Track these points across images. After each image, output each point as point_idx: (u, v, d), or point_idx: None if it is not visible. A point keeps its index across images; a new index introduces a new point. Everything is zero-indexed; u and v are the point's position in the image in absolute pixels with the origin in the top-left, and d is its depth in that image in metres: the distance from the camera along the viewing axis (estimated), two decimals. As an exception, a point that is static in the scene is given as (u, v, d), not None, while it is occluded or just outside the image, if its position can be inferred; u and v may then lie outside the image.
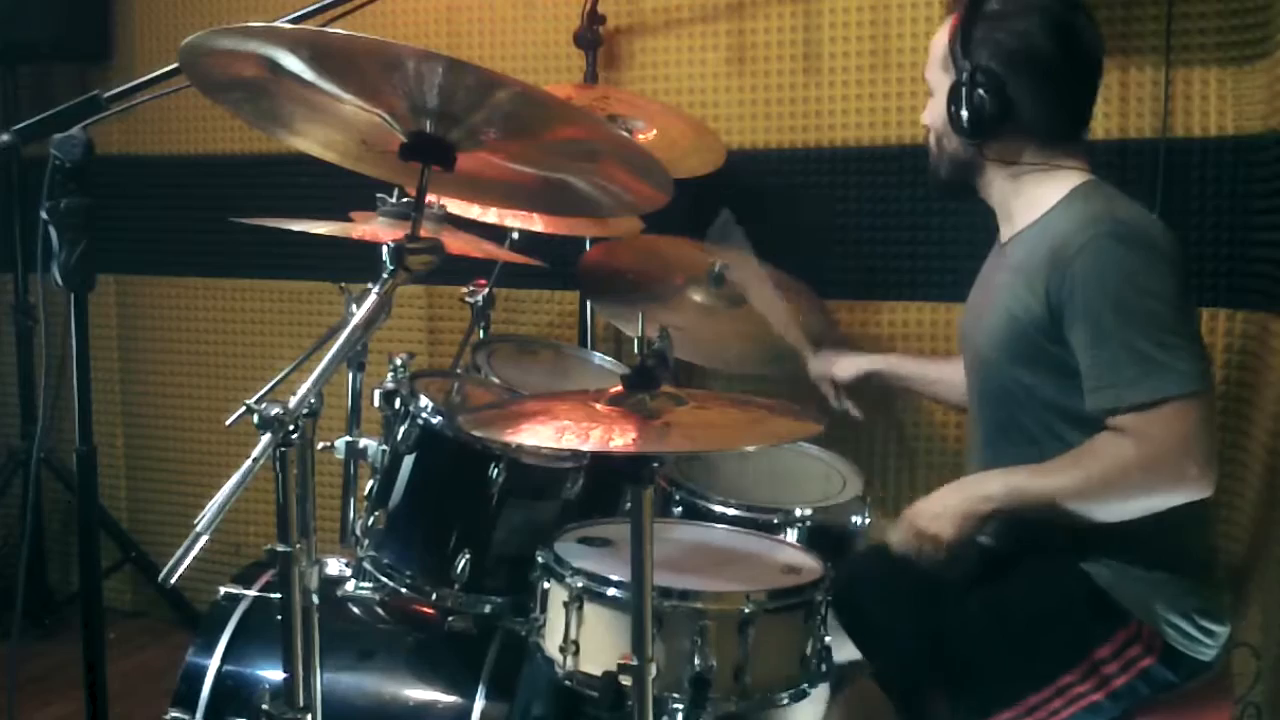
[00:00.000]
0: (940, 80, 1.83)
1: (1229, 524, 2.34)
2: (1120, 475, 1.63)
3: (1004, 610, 1.75)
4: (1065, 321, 1.67)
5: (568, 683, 1.65)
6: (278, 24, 1.39)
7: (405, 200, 2.07)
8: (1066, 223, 1.72)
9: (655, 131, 2.48)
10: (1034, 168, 1.79)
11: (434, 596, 1.90)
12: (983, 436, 1.88)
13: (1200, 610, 1.69)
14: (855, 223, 2.71)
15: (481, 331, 2.43)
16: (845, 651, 1.84)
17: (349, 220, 2.19)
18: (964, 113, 1.76)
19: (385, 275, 1.47)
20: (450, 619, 1.96)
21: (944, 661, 1.76)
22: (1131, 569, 1.68)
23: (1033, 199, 1.79)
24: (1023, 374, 1.74)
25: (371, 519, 1.93)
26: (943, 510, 1.73)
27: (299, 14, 2.02)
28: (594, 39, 2.75)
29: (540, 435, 1.47)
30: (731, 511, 2.02)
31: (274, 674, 1.78)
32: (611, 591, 1.62)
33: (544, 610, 1.72)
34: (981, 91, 1.74)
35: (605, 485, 1.98)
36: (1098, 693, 1.67)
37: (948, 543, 1.71)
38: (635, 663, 1.45)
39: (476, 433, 1.58)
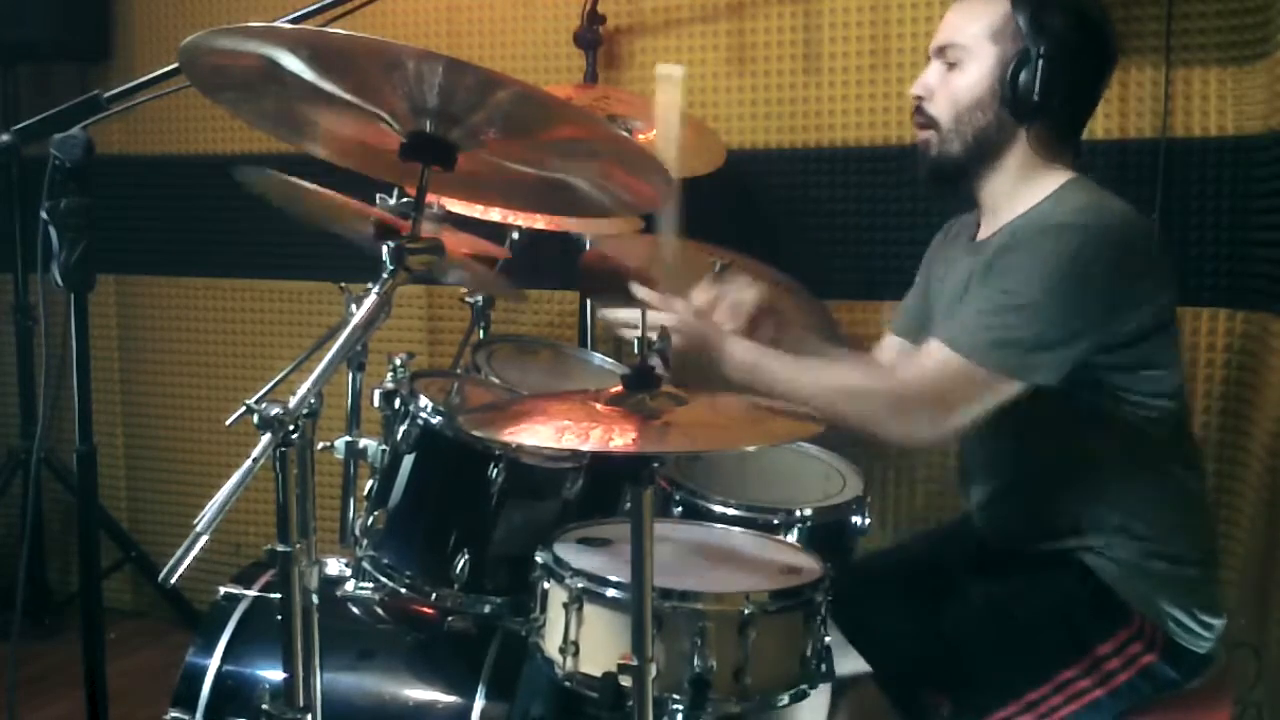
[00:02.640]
0: (981, 48, 1.76)
1: (1229, 524, 2.34)
2: (866, 392, 1.68)
3: (1006, 605, 1.75)
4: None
5: (567, 683, 1.65)
6: (277, 24, 1.39)
7: (405, 200, 2.07)
8: (1058, 208, 1.71)
9: (655, 131, 2.47)
10: (1041, 160, 1.77)
11: (434, 596, 1.90)
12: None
13: (1200, 605, 1.69)
14: (855, 223, 2.71)
15: (481, 331, 2.43)
16: (849, 664, 1.83)
17: (348, 225, 2.19)
18: (1033, 89, 1.70)
19: (385, 275, 1.47)
20: (450, 619, 1.96)
21: (944, 659, 1.76)
22: (1137, 565, 1.69)
23: (1026, 193, 1.77)
24: None
25: (371, 519, 1.93)
26: (695, 334, 1.74)
27: (299, 14, 2.02)
28: (594, 39, 2.75)
29: (540, 435, 1.47)
30: (731, 511, 2.02)
31: (274, 674, 1.78)
32: (611, 592, 1.62)
33: (544, 611, 1.72)
34: (1050, 72, 1.70)
35: (605, 485, 1.98)
36: (1099, 689, 1.68)
37: (675, 351, 1.69)
38: (635, 663, 1.45)
39: (476, 433, 1.58)
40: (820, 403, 1.66)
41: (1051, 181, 1.75)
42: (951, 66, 1.79)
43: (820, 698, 1.76)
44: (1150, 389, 1.70)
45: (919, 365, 1.70)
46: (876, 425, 1.68)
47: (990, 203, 1.83)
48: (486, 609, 1.91)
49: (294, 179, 2.03)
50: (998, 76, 1.74)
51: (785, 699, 1.65)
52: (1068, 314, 1.62)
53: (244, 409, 1.31)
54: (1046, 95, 1.70)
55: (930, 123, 1.81)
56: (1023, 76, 1.71)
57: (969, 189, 1.84)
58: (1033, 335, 1.62)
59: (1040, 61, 1.70)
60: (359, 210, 2.01)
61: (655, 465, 1.44)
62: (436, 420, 1.87)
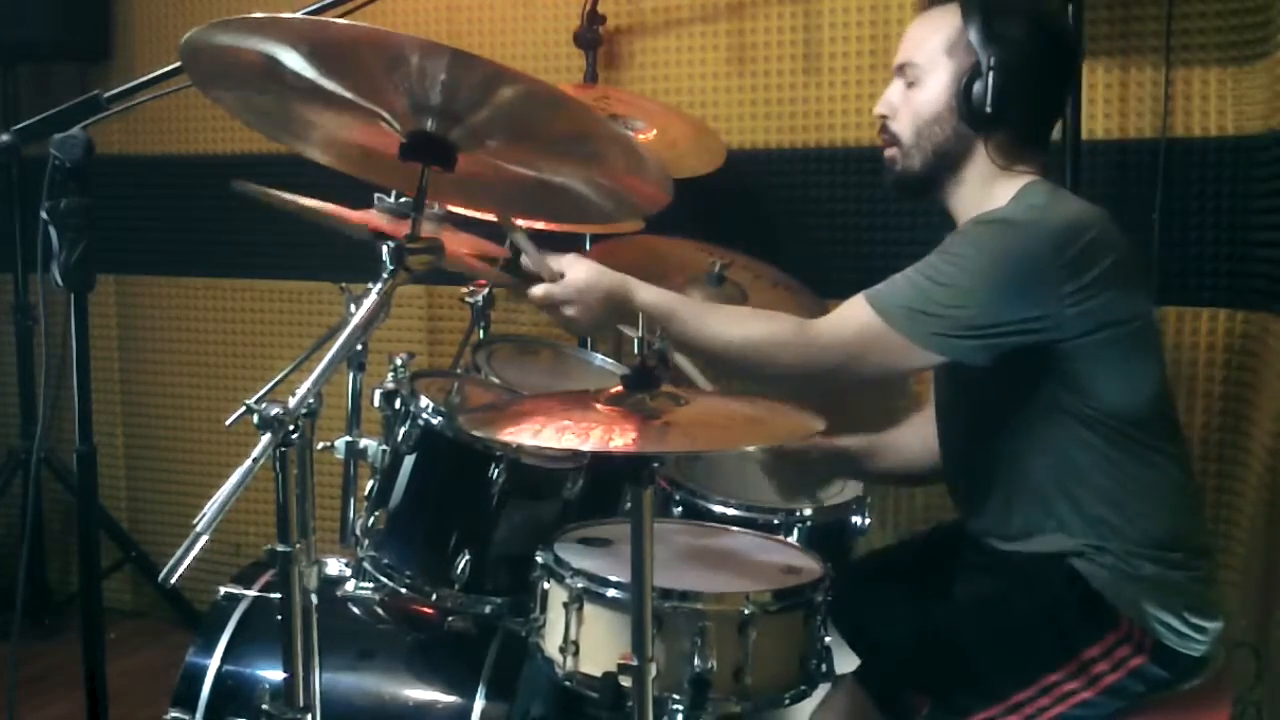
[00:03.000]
0: (936, 64, 1.77)
1: (1229, 524, 2.34)
2: (776, 341, 1.72)
3: (993, 607, 1.75)
4: None
5: (567, 683, 1.65)
6: (279, 15, 1.37)
7: (403, 200, 2.07)
8: (1009, 206, 1.73)
9: (655, 131, 2.48)
10: (1000, 168, 1.77)
11: (434, 596, 1.90)
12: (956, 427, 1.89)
13: (1190, 607, 1.69)
14: (855, 223, 2.71)
15: (481, 331, 2.42)
16: (846, 663, 1.84)
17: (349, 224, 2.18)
18: (985, 100, 1.71)
19: (385, 275, 1.47)
20: (450, 619, 1.96)
21: (929, 659, 1.76)
22: (1124, 567, 1.68)
23: (988, 200, 1.77)
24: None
25: (371, 519, 1.93)
26: (596, 287, 1.73)
27: (298, 14, 2.01)
28: (594, 39, 2.75)
29: (540, 435, 1.47)
30: (731, 511, 2.02)
31: (274, 674, 1.78)
32: (611, 592, 1.62)
33: (544, 611, 1.72)
34: (1002, 81, 1.71)
35: (605, 485, 1.98)
36: (1088, 690, 1.67)
37: (574, 320, 1.74)
38: (635, 663, 1.45)
39: (476, 433, 1.58)
40: (728, 350, 1.73)
41: (1012, 186, 1.76)
42: (911, 85, 1.81)
43: (820, 693, 1.76)
44: (1124, 386, 1.70)
45: (838, 316, 1.73)
46: (781, 371, 1.73)
47: (958, 212, 1.84)
48: (487, 609, 1.91)
49: (290, 195, 2.03)
50: (953, 90, 1.75)
51: (786, 699, 1.66)
52: (991, 302, 1.63)
53: (244, 409, 1.31)
54: (999, 105, 1.71)
55: (894, 140, 1.83)
56: (975, 88, 1.73)
57: (936, 200, 1.85)
58: (946, 313, 1.64)
59: (990, 72, 1.71)
60: (357, 219, 2.01)
61: (655, 465, 1.44)
62: (437, 420, 1.87)
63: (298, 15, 1.42)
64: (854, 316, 1.70)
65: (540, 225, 2.39)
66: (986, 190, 1.77)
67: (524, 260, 1.80)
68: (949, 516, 2.21)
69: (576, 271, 1.74)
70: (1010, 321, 1.64)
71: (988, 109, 1.72)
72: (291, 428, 1.31)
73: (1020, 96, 1.73)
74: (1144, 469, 1.71)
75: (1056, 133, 1.93)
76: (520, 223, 2.35)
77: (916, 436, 2.06)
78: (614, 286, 1.73)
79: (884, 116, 1.85)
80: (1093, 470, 1.70)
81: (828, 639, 1.71)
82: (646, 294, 1.74)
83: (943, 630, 1.77)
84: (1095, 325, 1.66)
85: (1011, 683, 1.69)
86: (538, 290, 1.75)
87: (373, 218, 2.03)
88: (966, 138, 1.77)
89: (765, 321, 1.76)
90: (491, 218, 2.28)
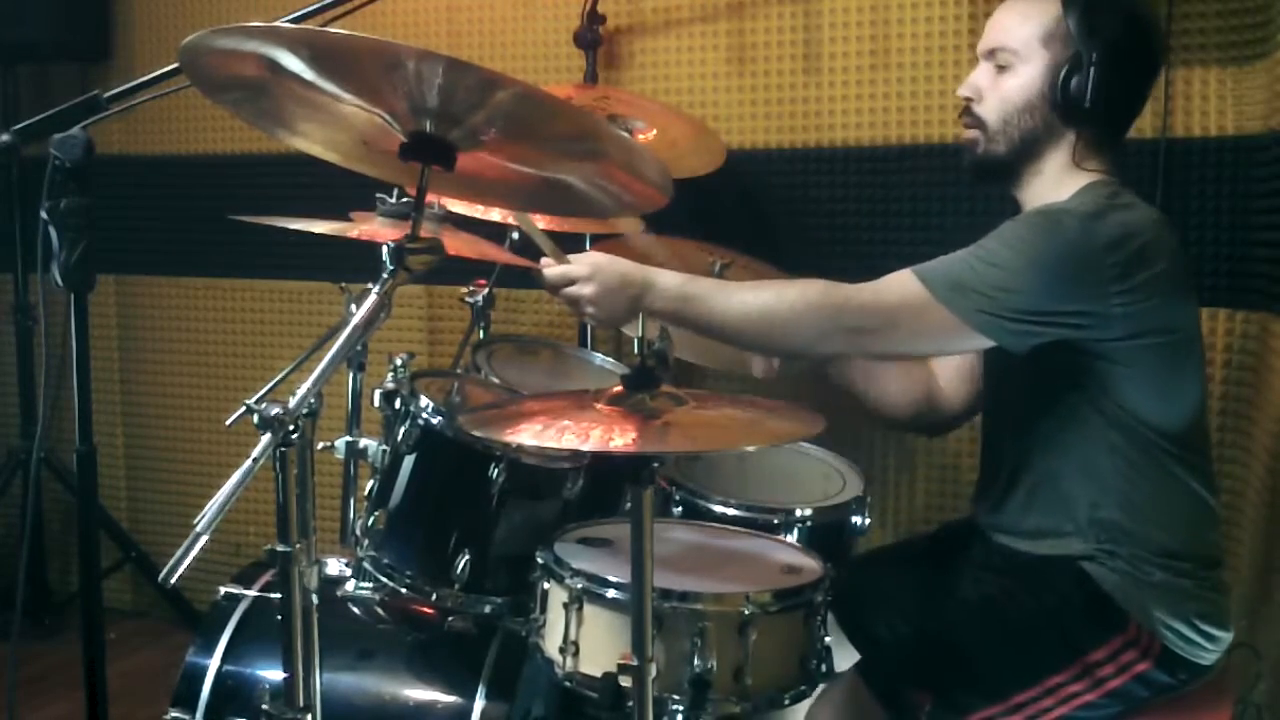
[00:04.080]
0: (1031, 52, 1.75)
1: (1229, 524, 2.33)
2: (806, 305, 1.70)
3: (1000, 606, 1.75)
4: None
5: (567, 683, 1.65)
6: (278, 24, 1.39)
7: (405, 200, 2.07)
8: (1069, 201, 1.73)
9: (655, 131, 2.48)
10: (1078, 163, 1.77)
11: (434, 596, 1.90)
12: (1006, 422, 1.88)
13: (1200, 615, 1.68)
14: (855, 223, 2.71)
15: (481, 331, 2.43)
16: (846, 658, 1.84)
17: (349, 220, 2.19)
18: (1085, 95, 1.70)
19: (385, 275, 1.47)
20: (450, 619, 1.96)
21: (934, 656, 1.76)
22: (1134, 572, 1.68)
23: (1059, 193, 1.77)
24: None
25: (371, 519, 1.93)
26: (613, 270, 1.71)
27: (299, 14, 2.02)
28: (594, 39, 2.75)
29: (540, 435, 1.47)
30: (731, 511, 2.02)
31: (274, 674, 1.78)
32: (611, 593, 1.62)
33: (544, 611, 1.72)
34: (1102, 77, 1.70)
35: (605, 485, 1.98)
36: (1092, 693, 1.67)
37: (591, 303, 1.72)
38: (635, 663, 1.45)
39: (476, 433, 1.58)
40: (758, 319, 1.70)
41: (1081, 182, 1.76)
42: (1001, 69, 1.79)
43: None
44: (1159, 396, 1.69)
45: (879, 282, 1.71)
46: (811, 335, 1.71)
47: (1027, 202, 1.84)
48: (487, 609, 1.91)
49: (286, 222, 2.04)
50: (1048, 80, 1.74)
51: (786, 699, 1.66)
52: (1039, 289, 1.63)
53: (244, 409, 1.31)
54: (1097, 100, 1.71)
55: (977, 123, 1.82)
56: (1074, 81, 1.72)
57: (1010, 188, 1.85)
58: (992, 292, 1.63)
59: (1092, 68, 1.70)
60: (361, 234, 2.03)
61: (655, 465, 1.44)
62: (437, 420, 1.87)
63: (293, 25, 1.42)
64: (897, 283, 1.69)
65: (541, 224, 2.40)
66: (1059, 183, 1.77)
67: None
68: (950, 516, 2.21)
69: (592, 255, 1.74)
70: (1055, 312, 1.64)
71: (1087, 103, 1.71)
72: (291, 428, 1.31)
73: (1116, 94, 1.73)
74: (1167, 480, 1.71)
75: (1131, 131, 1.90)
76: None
77: (896, 380, 2.05)
78: (631, 269, 1.72)
79: (969, 99, 1.83)
80: (1115, 475, 1.70)
81: (828, 639, 1.71)
82: (667, 277, 1.73)
83: (948, 628, 1.77)
84: (1138, 330, 1.65)
85: (1015, 682, 1.68)
86: (554, 270, 1.74)
87: (374, 230, 2.03)
88: (1056, 129, 1.77)
89: (794, 287, 1.73)
90: (492, 217, 2.30)
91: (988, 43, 1.82)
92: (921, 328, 1.68)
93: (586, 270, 1.72)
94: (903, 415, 2.06)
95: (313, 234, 2.03)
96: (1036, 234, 1.67)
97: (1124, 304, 1.63)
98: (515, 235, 2.41)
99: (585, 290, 1.72)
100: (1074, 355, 1.67)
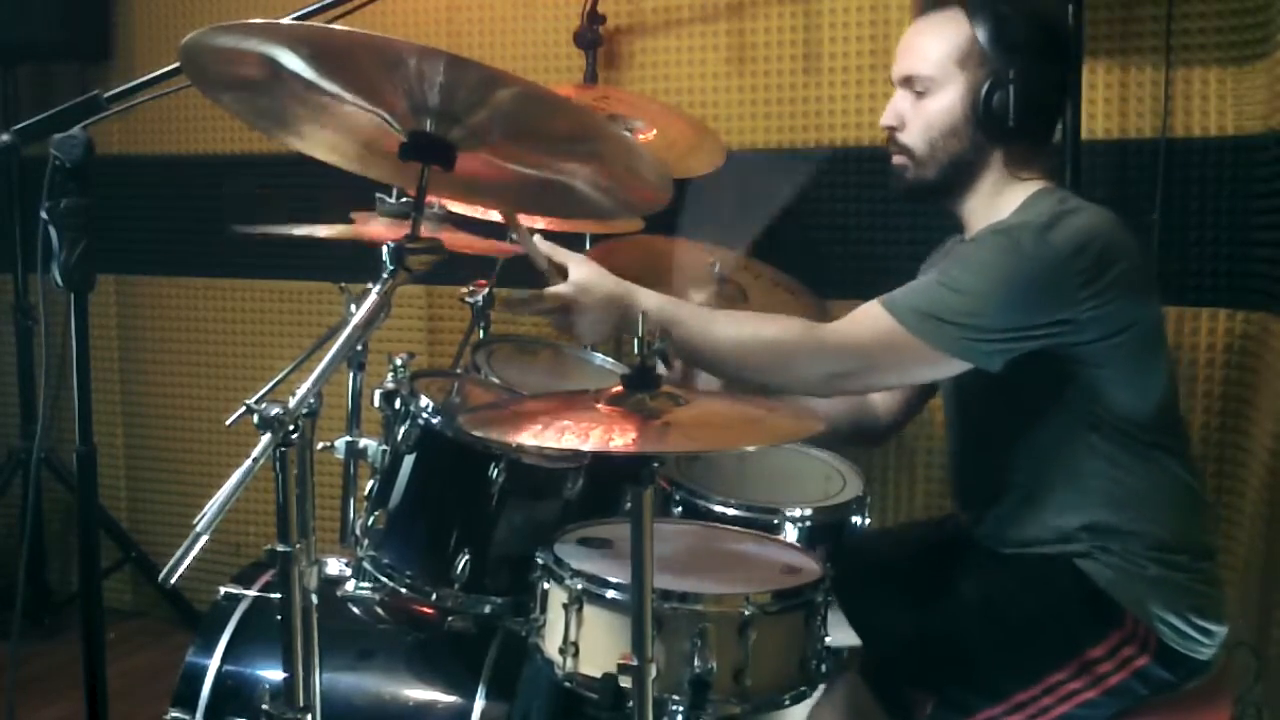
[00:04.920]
0: (947, 75, 1.75)
1: (1229, 524, 2.34)
2: (785, 340, 1.69)
3: (999, 606, 1.75)
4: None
5: (567, 684, 1.65)
6: (277, 22, 1.38)
7: (405, 200, 2.07)
8: (1020, 214, 1.73)
9: (655, 131, 2.47)
10: (1013, 174, 1.78)
11: (434, 596, 1.90)
12: (958, 433, 1.89)
13: (1196, 609, 1.69)
14: (855, 223, 2.71)
15: (481, 331, 2.42)
16: (842, 635, 1.83)
17: (349, 221, 2.19)
18: (1008, 112, 1.70)
19: (385, 275, 1.47)
20: (450, 619, 1.96)
21: (934, 656, 1.76)
22: (1129, 567, 1.69)
23: (1000, 206, 1.77)
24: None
25: (371, 519, 1.93)
26: (599, 291, 1.71)
27: (299, 14, 2.02)
28: (594, 39, 2.75)
29: (540, 435, 1.47)
30: (731, 511, 2.02)
31: (274, 674, 1.78)
32: (611, 593, 1.62)
33: (544, 611, 1.72)
34: (1023, 92, 1.71)
35: (605, 485, 1.97)
36: (1092, 690, 1.68)
37: (576, 324, 1.72)
38: (635, 664, 1.45)
39: (476, 433, 1.58)
40: (735, 353, 1.70)
41: (1022, 193, 1.76)
42: (921, 95, 1.79)
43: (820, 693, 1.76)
44: (1133, 389, 1.70)
45: (850, 319, 1.72)
46: (790, 375, 1.71)
47: (969, 218, 1.84)
48: (487, 609, 1.91)
49: (281, 229, 2.05)
50: (969, 102, 1.75)
51: (786, 700, 1.65)
52: (1007, 309, 1.64)
53: (244, 409, 1.31)
54: (1021, 114, 1.71)
55: (904, 151, 1.82)
56: (995, 99, 1.72)
57: (947, 206, 1.85)
58: (963, 320, 1.64)
59: (1011, 85, 1.70)
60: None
61: (655, 465, 1.44)
62: (437, 420, 1.87)
63: (294, 22, 1.42)
64: (869, 320, 1.69)
65: (541, 224, 2.40)
66: (997, 196, 1.78)
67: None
68: (951, 513, 2.20)
69: (580, 271, 1.73)
70: (1028, 326, 1.64)
71: (1011, 120, 1.71)
72: (291, 428, 1.31)
73: (1038, 103, 1.73)
74: (1149, 471, 1.71)
75: (1056, 133, 1.93)
76: (522, 220, 2.36)
77: (878, 397, 2.08)
78: (616, 290, 1.72)
79: (893, 128, 1.83)
80: (1098, 477, 1.70)
81: (828, 639, 1.71)
82: (649, 299, 1.72)
83: (948, 628, 1.77)
84: (1109, 330, 1.66)
85: (1015, 681, 1.69)
86: (538, 295, 1.74)
87: (372, 230, 2.03)
88: (984, 147, 1.77)
89: (772, 324, 1.74)
90: (493, 216, 2.30)
91: (902, 69, 1.82)
92: (898, 362, 1.69)
93: (571, 292, 1.71)
94: (841, 429, 2.07)
95: (312, 234, 2.04)
96: (997, 254, 1.67)
97: (1094, 307, 1.64)
98: (514, 235, 2.40)
99: (570, 314, 1.72)
100: (1049, 362, 1.68)
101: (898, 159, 1.84)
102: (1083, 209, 1.73)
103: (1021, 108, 1.71)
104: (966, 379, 1.80)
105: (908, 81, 1.81)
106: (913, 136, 1.81)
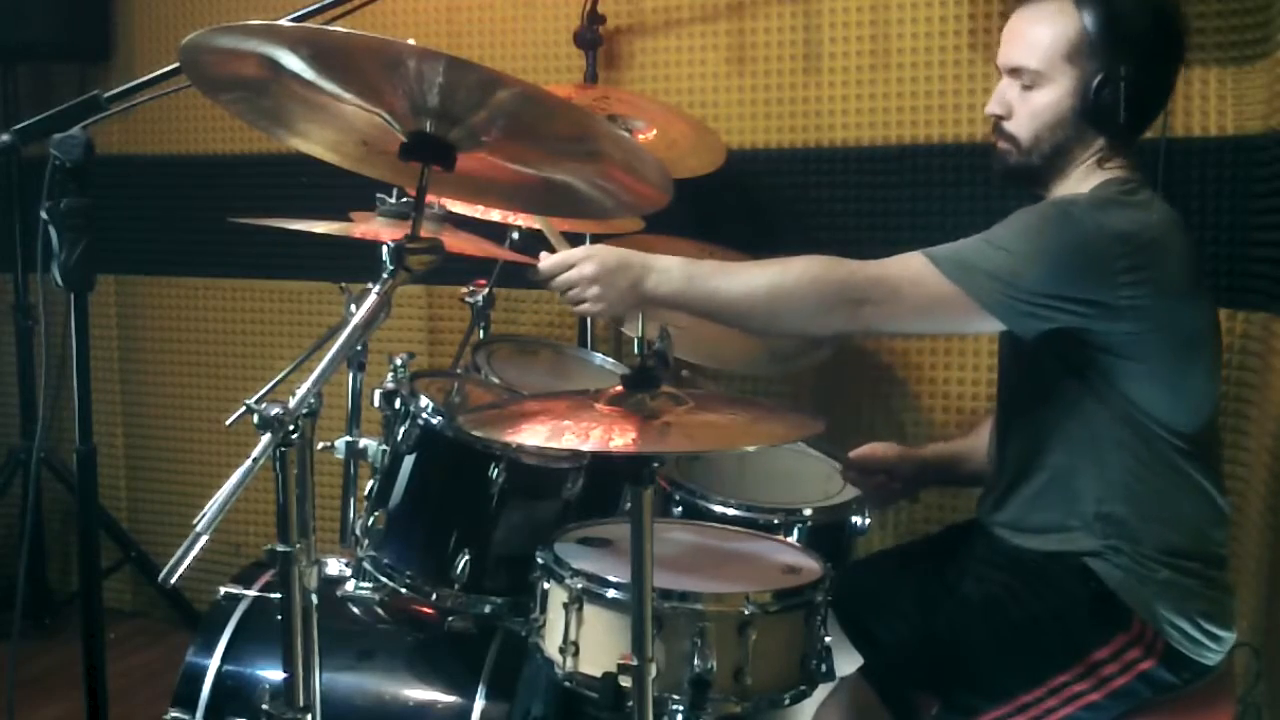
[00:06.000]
0: (1056, 69, 1.72)
1: (1231, 524, 2.33)
2: (810, 278, 1.68)
3: (1005, 607, 1.75)
4: None
5: (567, 683, 1.65)
6: (277, 23, 1.39)
7: (405, 200, 2.07)
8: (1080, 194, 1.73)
9: (655, 131, 2.48)
10: (1101, 163, 1.76)
11: (434, 596, 1.90)
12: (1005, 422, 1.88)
13: (1205, 614, 1.68)
14: (855, 223, 2.71)
15: (481, 331, 2.43)
16: (847, 660, 1.83)
17: (349, 220, 2.19)
18: (1119, 108, 1.68)
19: (385, 275, 1.47)
20: (450, 619, 1.96)
21: (939, 657, 1.76)
22: (1139, 569, 1.68)
23: (1081, 190, 1.76)
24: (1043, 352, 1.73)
25: (371, 519, 1.93)
26: (611, 255, 1.70)
27: (299, 14, 2.02)
28: (594, 39, 2.75)
29: (540, 435, 1.47)
30: (731, 511, 2.02)
31: (274, 674, 1.78)
32: (611, 593, 1.62)
33: (544, 611, 1.72)
34: (1135, 89, 1.69)
35: (605, 485, 1.98)
36: (1096, 692, 1.67)
37: (592, 284, 1.69)
38: (635, 663, 1.45)
39: (476, 433, 1.58)
40: (759, 295, 1.68)
41: (1101, 178, 1.75)
42: (1028, 88, 1.76)
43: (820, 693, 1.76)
44: (1170, 394, 1.69)
45: (887, 259, 1.70)
46: (815, 316, 1.69)
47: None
48: (486, 609, 1.91)
49: (280, 223, 2.05)
50: (1079, 95, 1.72)
51: (786, 699, 1.65)
52: (1046, 274, 1.62)
53: (244, 409, 1.31)
54: (1131, 109, 1.70)
55: (1009, 139, 1.80)
56: (1106, 93, 1.70)
57: (1037, 189, 1.84)
58: (1002, 275, 1.63)
59: (1123, 82, 1.68)
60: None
61: (655, 465, 1.44)
62: (437, 420, 1.87)
63: (293, 23, 1.42)
64: (904, 259, 1.68)
65: (541, 225, 2.40)
66: (1082, 182, 1.77)
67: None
68: (951, 517, 2.21)
69: (591, 245, 1.74)
70: (1062, 297, 1.63)
71: (1121, 115, 1.70)
72: (291, 428, 1.31)
73: (1148, 98, 1.73)
74: (1175, 477, 1.70)
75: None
76: (522, 220, 2.36)
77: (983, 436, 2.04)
78: (629, 253, 1.71)
79: (999, 116, 1.81)
80: (1123, 471, 1.69)
81: (828, 639, 1.71)
82: (665, 259, 1.72)
83: (951, 629, 1.77)
84: (1145, 325, 1.64)
85: (1020, 683, 1.68)
86: (552, 258, 1.73)
87: (374, 229, 2.03)
88: (1087, 136, 1.75)
89: (798, 260, 1.71)
90: (492, 217, 2.30)
91: (1009, 59, 1.78)
92: (926, 302, 1.66)
93: (584, 251, 1.72)
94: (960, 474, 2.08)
95: (313, 234, 2.04)
96: (1045, 222, 1.67)
97: (1131, 297, 1.62)
98: (515, 235, 2.41)
99: (585, 270, 1.69)
100: (1082, 347, 1.67)
101: (1003, 144, 1.82)
102: (1145, 202, 1.72)
103: (1131, 104, 1.70)
104: (1009, 358, 1.81)
105: (1015, 72, 1.78)
106: (1019, 126, 1.78)
